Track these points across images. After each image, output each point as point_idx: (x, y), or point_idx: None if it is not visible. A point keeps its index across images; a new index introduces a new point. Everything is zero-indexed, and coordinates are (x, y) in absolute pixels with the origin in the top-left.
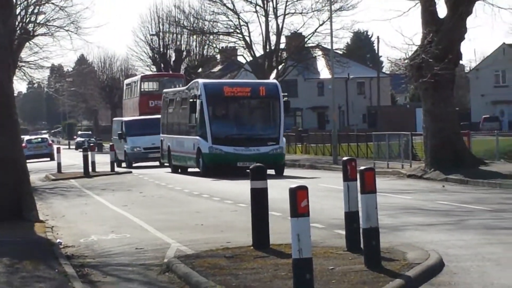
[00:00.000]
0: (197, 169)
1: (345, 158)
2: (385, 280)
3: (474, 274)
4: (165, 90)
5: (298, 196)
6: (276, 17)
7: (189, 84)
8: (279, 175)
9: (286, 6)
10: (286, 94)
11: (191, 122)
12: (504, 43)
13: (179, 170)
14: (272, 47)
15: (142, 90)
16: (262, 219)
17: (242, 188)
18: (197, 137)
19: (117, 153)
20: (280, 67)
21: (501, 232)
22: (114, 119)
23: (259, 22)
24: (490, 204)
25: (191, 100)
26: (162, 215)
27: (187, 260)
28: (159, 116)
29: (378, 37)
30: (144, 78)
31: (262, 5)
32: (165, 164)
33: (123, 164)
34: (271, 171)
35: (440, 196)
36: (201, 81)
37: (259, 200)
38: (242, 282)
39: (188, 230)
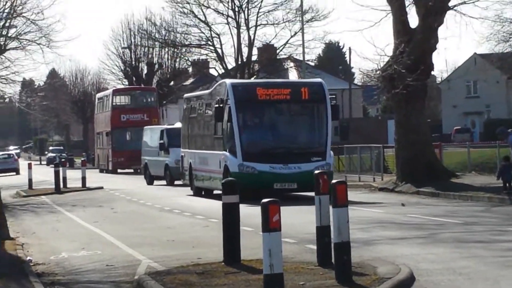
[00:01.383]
0: None
1: (317, 172)
2: None
3: None
4: (186, 95)
5: (270, 211)
6: (248, 28)
7: (215, 85)
8: None
9: (257, 17)
10: (334, 96)
11: (216, 134)
12: (475, 53)
13: (203, 193)
14: (244, 59)
15: (114, 104)
16: (233, 235)
17: (213, 203)
18: (224, 152)
19: (149, 167)
20: (252, 79)
21: (472, 245)
22: (146, 127)
23: (231, 34)
24: (462, 217)
25: (217, 105)
26: (133, 231)
27: (158, 276)
28: None
29: (350, 48)
30: (116, 92)
31: (233, 17)
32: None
33: (157, 182)
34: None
35: (412, 210)
36: (229, 81)
37: (231, 215)
38: None
39: (159, 246)
